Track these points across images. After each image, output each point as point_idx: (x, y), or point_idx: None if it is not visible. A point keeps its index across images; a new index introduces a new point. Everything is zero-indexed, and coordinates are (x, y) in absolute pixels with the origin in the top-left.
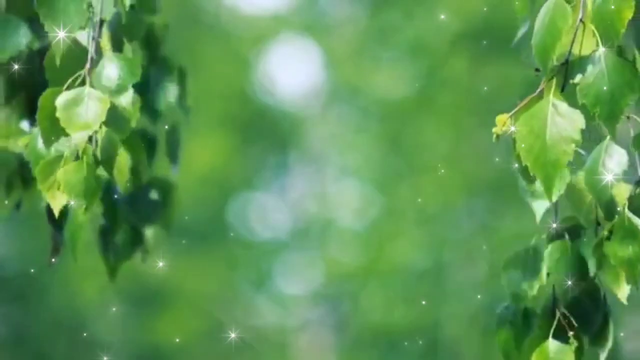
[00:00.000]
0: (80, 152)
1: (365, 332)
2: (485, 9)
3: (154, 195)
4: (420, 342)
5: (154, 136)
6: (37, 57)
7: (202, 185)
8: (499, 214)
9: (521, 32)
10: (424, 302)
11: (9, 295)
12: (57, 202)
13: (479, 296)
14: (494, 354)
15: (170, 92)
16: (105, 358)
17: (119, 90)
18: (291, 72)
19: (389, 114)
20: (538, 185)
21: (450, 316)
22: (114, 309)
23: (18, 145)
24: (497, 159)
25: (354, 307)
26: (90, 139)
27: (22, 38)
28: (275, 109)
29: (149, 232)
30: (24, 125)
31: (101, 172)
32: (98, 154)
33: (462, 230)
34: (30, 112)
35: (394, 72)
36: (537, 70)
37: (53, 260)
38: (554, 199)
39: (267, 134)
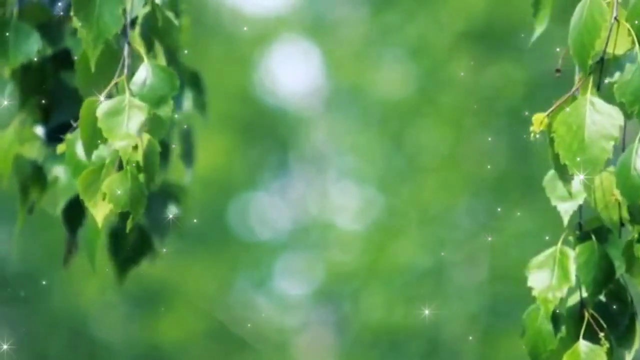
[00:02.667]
0: (124, 162)
1: (366, 332)
2: (486, 9)
3: (165, 200)
4: (421, 342)
5: (167, 139)
6: (50, 62)
7: (203, 185)
8: (499, 214)
9: (538, 32)
10: (424, 302)
11: (9, 295)
12: (99, 212)
13: (479, 296)
14: (494, 354)
15: (187, 96)
16: (105, 358)
17: (160, 102)
18: (292, 72)
19: (389, 114)
20: (568, 187)
21: (451, 316)
22: (114, 309)
23: (33, 150)
24: (497, 161)
25: (354, 307)
26: (135, 147)
27: (34, 45)
28: (276, 109)
29: (159, 237)
30: (38, 130)
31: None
32: (140, 161)
33: (462, 231)
34: (44, 117)
35: (395, 72)
36: (557, 70)
37: (67, 263)
38: (592, 200)
39: (268, 134)
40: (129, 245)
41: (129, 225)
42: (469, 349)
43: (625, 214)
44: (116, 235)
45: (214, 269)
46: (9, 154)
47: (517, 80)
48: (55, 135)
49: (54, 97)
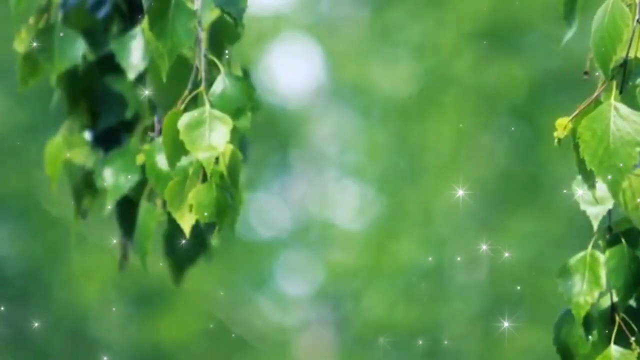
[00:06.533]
0: (208, 173)
1: (367, 331)
2: (490, 9)
3: None
4: (422, 342)
5: None
6: (96, 67)
7: None
8: (501, 214)
9: (569, 34)
10: (425, 301)
11: (10, 295)
12: (186, 222)
13: (479, 296)
14: (494, 354)
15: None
16: (105, 358)
17: (239, 113)
18: (293, 71)
19: (391, 113)
20: (593, 192)
21: (452, 316)
22: (114, 308)
23: (82, 156)
24: (499, 160)
25: (355, 306)
26: (216, 159)
27: (79, 50)
28: (277, 108)
29: (214, 236)
30: (87, 135)
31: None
32: (224, 172)
33: (463, 230)
34: (91, 122)
35: (397, 71)
36: (585, 73)
37: (123, 267)
38: (622, 202)
39: (268, 133)
40: (185, 245)
41: (215, 236)
42: (469, 349)
43: None
44: (172, 236)
45: (214, 268)
46: (58, 160)
47: (520, 80)
48: (102, 140)
49: (100, 102)
